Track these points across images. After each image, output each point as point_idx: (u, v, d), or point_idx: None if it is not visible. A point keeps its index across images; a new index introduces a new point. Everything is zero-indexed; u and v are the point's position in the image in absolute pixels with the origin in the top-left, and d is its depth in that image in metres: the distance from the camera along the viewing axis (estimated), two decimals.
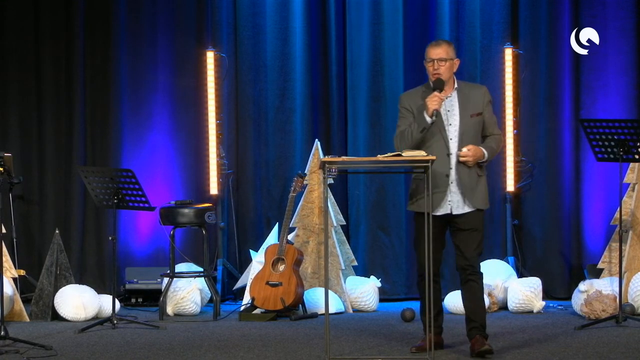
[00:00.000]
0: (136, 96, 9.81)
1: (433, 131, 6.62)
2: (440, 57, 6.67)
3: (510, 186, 9.47)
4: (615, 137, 7.72)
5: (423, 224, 6.50)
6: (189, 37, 9.78)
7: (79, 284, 8.83)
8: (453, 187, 6.63)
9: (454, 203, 6.64)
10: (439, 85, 6.63)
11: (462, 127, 6.65)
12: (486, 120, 6.76)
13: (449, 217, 6.67)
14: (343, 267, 8.90)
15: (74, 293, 8.53)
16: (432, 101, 6.55)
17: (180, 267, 8.98)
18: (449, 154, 6.63)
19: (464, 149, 6.58)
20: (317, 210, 8.96)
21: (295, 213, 8.93)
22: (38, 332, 7.88)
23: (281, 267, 8.50)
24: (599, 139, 7.80)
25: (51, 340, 7.45)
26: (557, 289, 9.40)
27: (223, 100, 9.70)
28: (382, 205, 9.56)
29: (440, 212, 6.63)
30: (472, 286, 6.66)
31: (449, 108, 6.69)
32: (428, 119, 6.56)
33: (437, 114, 6.56)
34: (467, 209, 6.64)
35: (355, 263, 9.21)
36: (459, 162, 6.62)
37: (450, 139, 6.65)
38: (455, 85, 6.75)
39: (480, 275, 6.66)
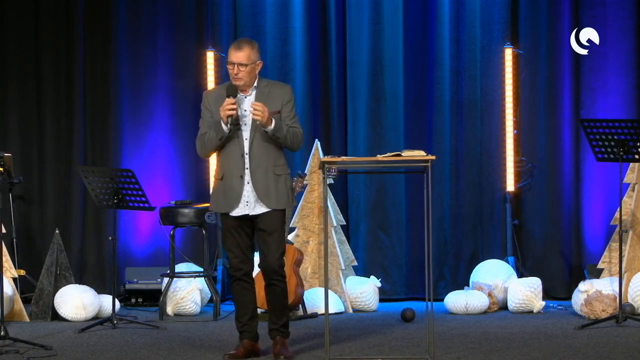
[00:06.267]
0: (136, 96, 9.81)
1: (230, 133, 6.57)
2: (240, 61, 6.54)
3: (510, 186, 9.46)
4: (615, 137, 7.72)
5: (226, 224, 6.62)
6: (189, 37, 9.78)
7: (79, 284, 8.82)
8: (248, 188, 6.58)
9: (251, 204, 6.59)
10: (232, 92, 6.55)
11: (255, 126, 6.57)
12: (284, 118, 6.63)
13: (252, 218, 6.61)
14: (343, 267, 8.89)
15: (74, 293, 8.52)
16: (225, 109, 6.49)
17: (180, 267, 8.97)
18: (243, 155, 6.58)
19: (257, 104, 6.46)
20: (317, 210, 8.95)
21: (295, 213, 8.93)
22: (38, 332, 7.87)
23: None
24: (599, 139, 7.80)
25: (51, 340, 7.44)
26: (557, 289, 9.40)
27: None
28: (382, 205, 9.55)
29: (238, 212, 6.60)
30: (274, 290, 6.67)
31: (245, 107, 6.61)
32: (225, 128, 6.53)
33: (232, 120, 6.51)
34: (264, 209, 6.59)
35: (355, 263, 9.20)
36: (253, 163, 6.57)
37: (245, 139, 6.59)
38: (255, 84, 6.65)
39: (282, 278, 6.66)
